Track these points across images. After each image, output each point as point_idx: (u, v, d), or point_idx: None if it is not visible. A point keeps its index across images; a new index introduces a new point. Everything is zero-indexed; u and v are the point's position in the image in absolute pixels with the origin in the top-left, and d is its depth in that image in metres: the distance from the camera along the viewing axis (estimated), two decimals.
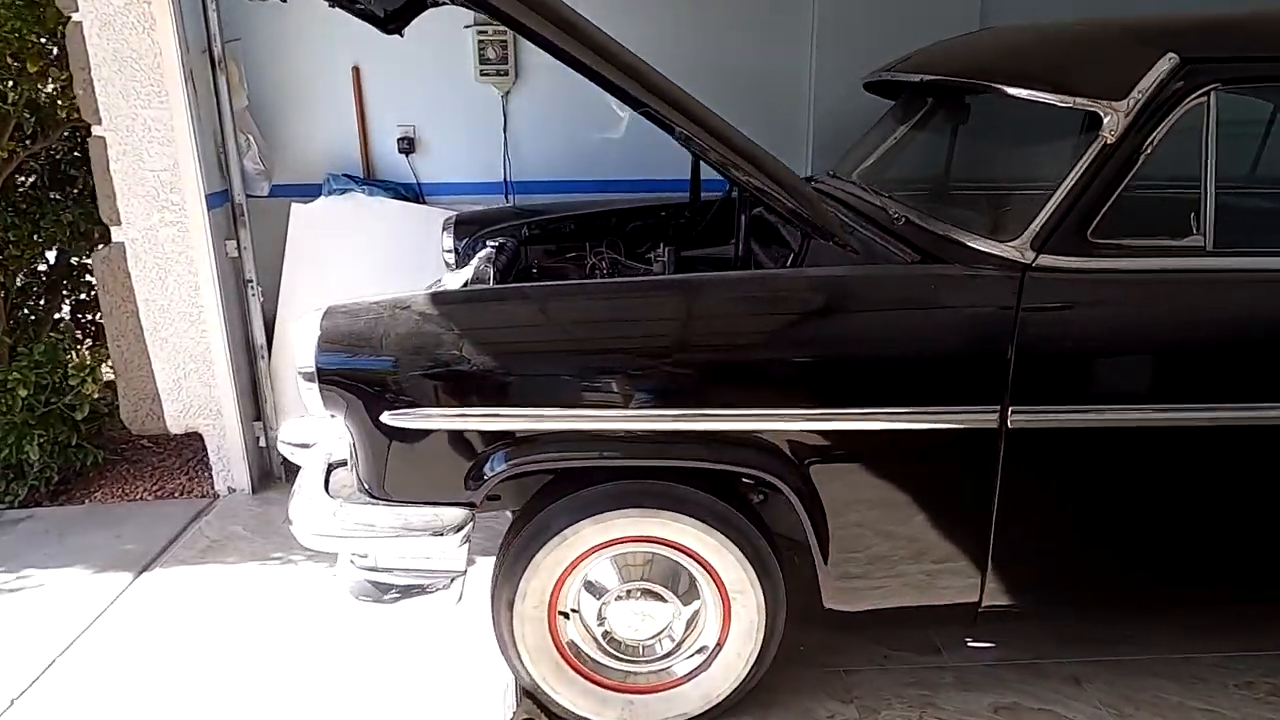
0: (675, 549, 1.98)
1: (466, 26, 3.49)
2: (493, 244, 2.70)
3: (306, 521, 1.88)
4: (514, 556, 1.94)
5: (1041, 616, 2.28)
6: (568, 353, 1.86)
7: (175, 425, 3.40)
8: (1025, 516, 1.94)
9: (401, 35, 2.29)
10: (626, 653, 2.08)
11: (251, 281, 3.34)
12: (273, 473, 3.53)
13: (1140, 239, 1.87)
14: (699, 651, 2.08)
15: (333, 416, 1.89)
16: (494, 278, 2.40)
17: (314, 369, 1.81)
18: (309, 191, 3.51)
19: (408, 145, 3.58)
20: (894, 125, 2.78)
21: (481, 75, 3.53)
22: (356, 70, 3.50)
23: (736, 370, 1.86)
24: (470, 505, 1.87)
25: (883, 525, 1.93)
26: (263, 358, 3.44)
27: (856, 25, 3.55)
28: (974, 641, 2.40)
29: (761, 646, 2.04)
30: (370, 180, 3.52)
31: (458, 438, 1.84)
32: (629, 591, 2.01)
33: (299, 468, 2.17)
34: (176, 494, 3.47)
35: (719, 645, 2.06)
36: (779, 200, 1.97)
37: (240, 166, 3.21)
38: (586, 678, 2.08)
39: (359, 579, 1.96)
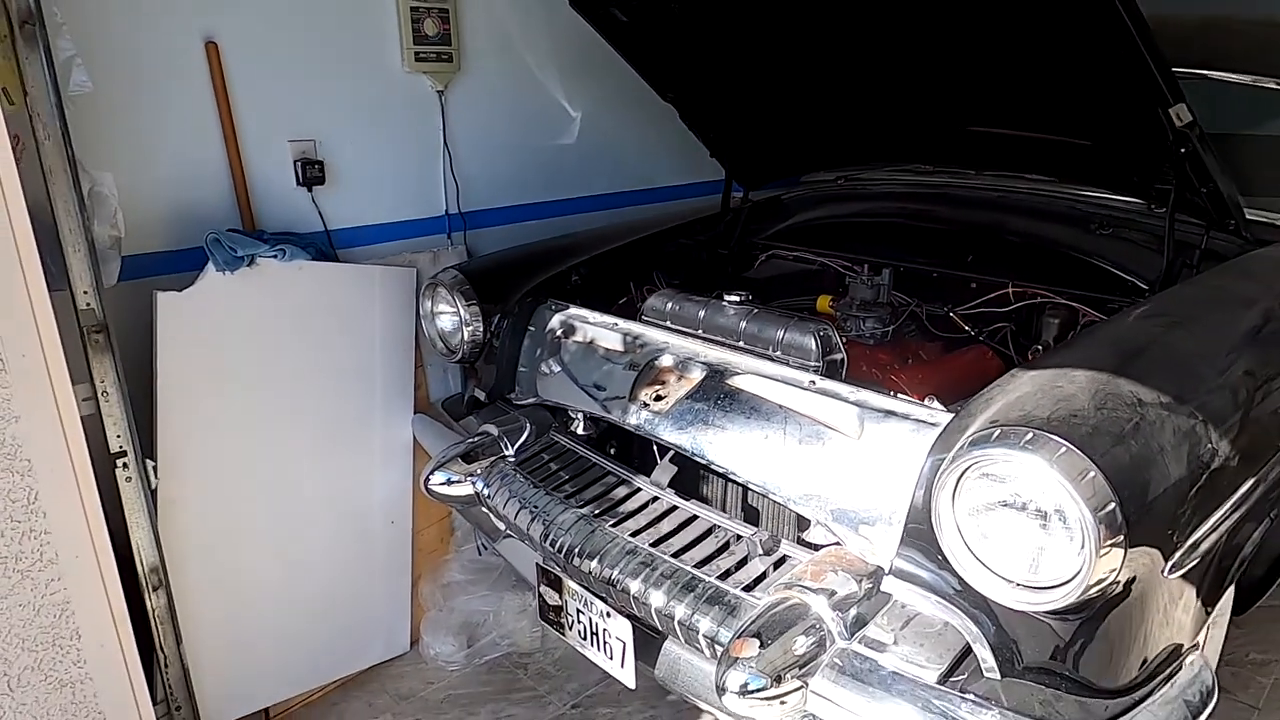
0: None
1: None
2: (733, 298, 1.80)
3: None
4: None
5: None
6: None
7: None
8: None
9: None
10: None
11: (124, 455, 1.71)
12: None
13: None
14: None
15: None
16: None
17: (1123, 524, 1.08)
18: (175, 264, 1.90)
19: (317, 173, 2.16)
20: None
21: (416, 61, 2.31)
22: (213, 49, 1.98)
23: None
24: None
25: None
26: (156, 588, 1.81)
27: None
28: None
29: None
30: (272, 234, 2.05)
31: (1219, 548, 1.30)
32: None
33: None
34: None
35: None
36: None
37: (86, 235, 1.58)
38: None
39: None
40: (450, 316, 2.22)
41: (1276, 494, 1.49)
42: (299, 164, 2.16)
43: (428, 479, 2.01)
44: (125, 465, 1.72)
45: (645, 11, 2.11)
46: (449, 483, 2.00)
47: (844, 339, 2.11)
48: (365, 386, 2.28)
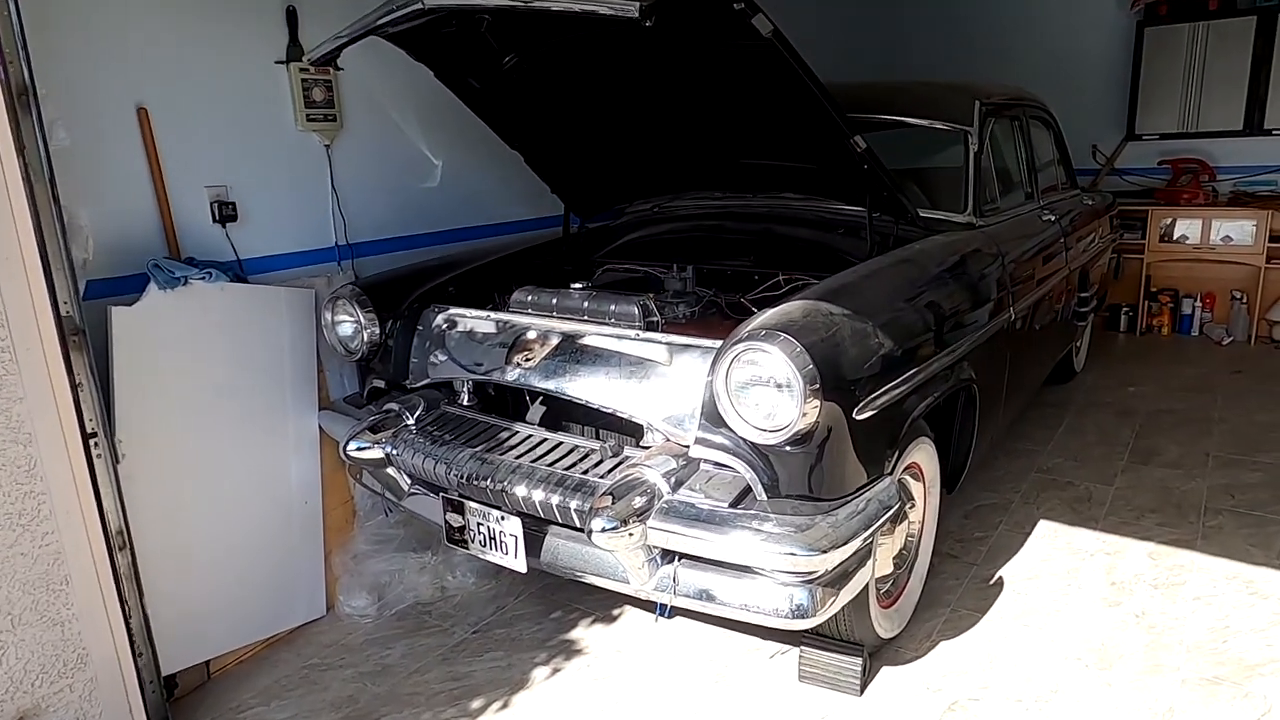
0: None
1: (279, 62, 2.75)
2: (577, 285, 2.42)
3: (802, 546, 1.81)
4: None
5: None
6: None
7: None
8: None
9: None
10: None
11: (95, 436, 2.10)
12: None
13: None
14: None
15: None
16: None
17: (818, 382, 1.80)
18: (123, 287, 2.30)
19: (230, 212, 2.62)
20: None
21: (307, 121, 2.82)
22: (143, 113, 2.41)
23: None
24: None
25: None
26: (121, 548, 2.18)
27: None
28: None
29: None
30: (200, 261, 2.48)
31: (891, 409, 2.05)
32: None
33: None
34: None
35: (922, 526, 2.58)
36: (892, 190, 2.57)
37: (66, 258, 2.00)
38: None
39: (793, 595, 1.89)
40: (350, 323, 2.72)
41: (936, 385, 2.30)
42: (215, 205, 2.62)
43: (345, 446, 2.49)
44: (97, 444, 2.10)
45: (494, 80, 2.76)
46: (362, 449, 2.50)
47: (663, 322, 2.81)
48: (277, 386, 2.72)
